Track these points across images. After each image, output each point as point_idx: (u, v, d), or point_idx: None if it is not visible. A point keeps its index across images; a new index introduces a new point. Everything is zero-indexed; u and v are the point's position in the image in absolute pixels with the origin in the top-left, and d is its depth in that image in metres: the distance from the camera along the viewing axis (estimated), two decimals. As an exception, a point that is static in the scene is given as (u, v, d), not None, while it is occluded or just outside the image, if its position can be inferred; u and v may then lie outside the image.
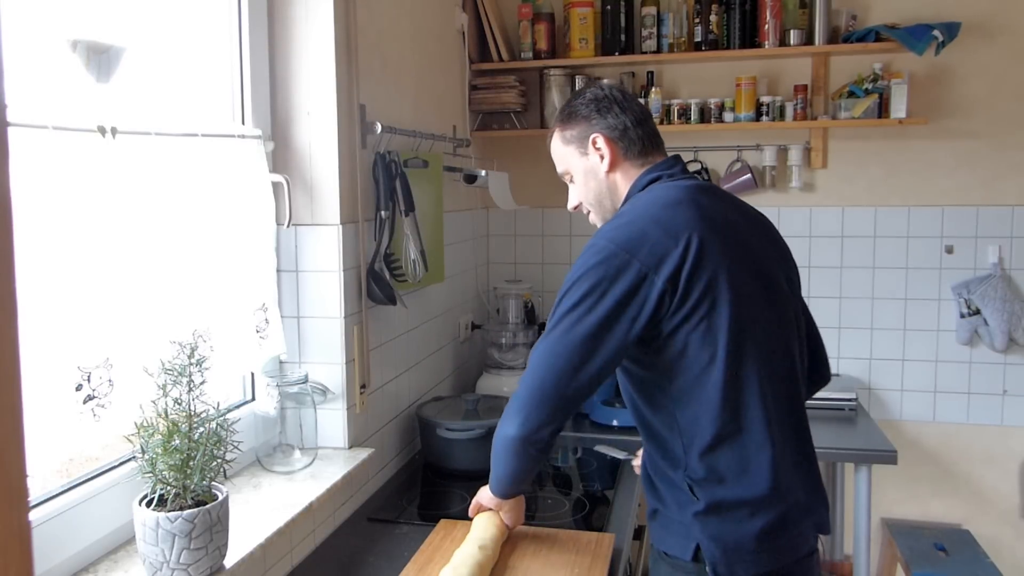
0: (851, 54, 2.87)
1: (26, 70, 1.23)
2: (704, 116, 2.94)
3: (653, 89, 2.94)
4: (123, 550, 1.41)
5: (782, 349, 1.43)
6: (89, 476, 1.42)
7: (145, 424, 1.26)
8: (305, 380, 1.84)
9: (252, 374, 1.88)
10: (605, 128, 1.50)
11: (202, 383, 1.30)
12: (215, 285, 1.59)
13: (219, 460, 1.31)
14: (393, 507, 1.98)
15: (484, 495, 1.65)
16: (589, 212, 1.59)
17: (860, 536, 2.54)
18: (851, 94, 2.83)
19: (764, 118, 2.87)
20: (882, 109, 2.81)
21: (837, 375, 3.03)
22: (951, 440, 3.00)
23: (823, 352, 1.60)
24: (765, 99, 2.87)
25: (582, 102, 1.53)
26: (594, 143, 1.51)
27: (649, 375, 1.41)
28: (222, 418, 1.34)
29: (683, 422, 1.37)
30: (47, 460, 1.22)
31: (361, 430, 1.99)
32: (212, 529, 1.29)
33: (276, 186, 1.80)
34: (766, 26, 2.80)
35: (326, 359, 1.89)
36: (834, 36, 2.85)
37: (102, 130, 1.29)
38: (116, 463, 1.47)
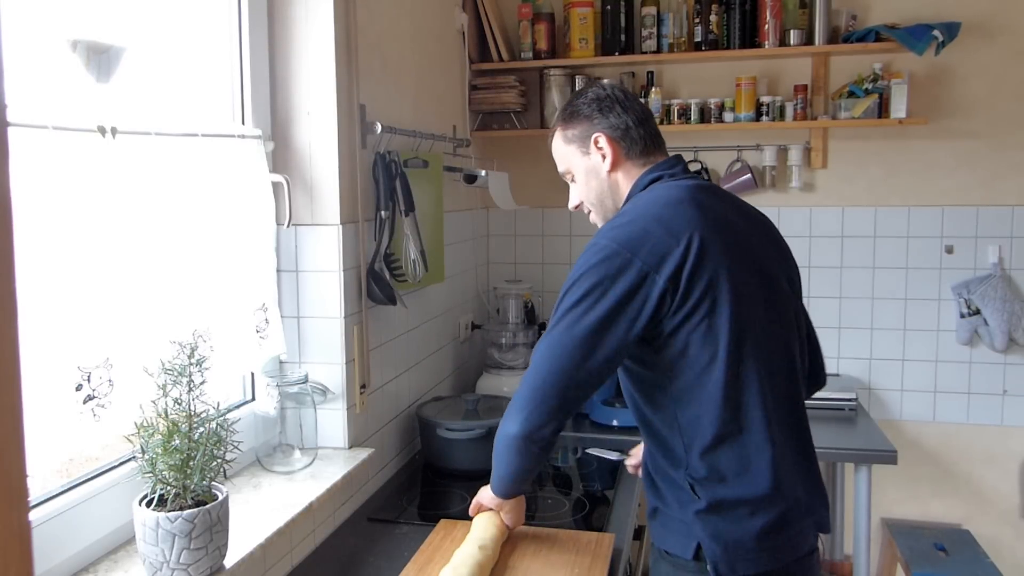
0: (851, 54, 2.87)
1: (26, 70, 1.23)
2: (704, 116, 2.94)
3: (653, 89, 2.94)
4: (123, 550, 1.41)
5: (782, 348, 1.43)
6: (89, 476, 1.42)
7: (145, 424, 1.26)
8: (305, 380, 1.84)
9: (252, 374, 1.88)
10: (607, 128, 1.50)
11: (202, 383, 1.30)
12: (215, 285, 1.59)
13: (219, 460, 1.31)
14: (393, 507, 1.98)
15: (485, 495, 1.65)
16: (590, 212, 1.59)
17: (860, 536, 2.54)
18: (851, 94, 2.83)
19: (764, 118, 2.87)
20: (882, 109, 2.81)
21: (837, 375, 3.03)
22: (951, 440, 3.00)
23: (820, 356, 1.61)
24: (765, 99, 2.88)
25: (584, 101, 1.53)
26: (596, 143, 1.51)
27: (650, 374, 1.41)
28: (222, 418, 1.34)
29: (684, 421, 1.37)
30: (47, 460, 1.22)
31: (361, 430, 1.99)
32: (212, 529, 1.29)
33: (276, 186, 1.80)
34: (766, 26, 2.80)
35: (326, 359, 1.89)
36: (834, 36, 2.85)
37: (102, 130, 1.29)
38: (116, 463, 1.47)
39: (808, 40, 2.82)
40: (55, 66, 1.28)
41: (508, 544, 1.67)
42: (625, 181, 1.52)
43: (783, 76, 2.96)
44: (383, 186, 2.00)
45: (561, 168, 1.60)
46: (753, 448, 1.35)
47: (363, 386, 1.97)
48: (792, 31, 2.80)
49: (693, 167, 2.98)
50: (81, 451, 1.38)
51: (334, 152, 1.85)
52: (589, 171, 1.53)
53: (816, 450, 1.49)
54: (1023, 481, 2.97)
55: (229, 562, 1.36)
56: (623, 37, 2.94)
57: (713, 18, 2.86)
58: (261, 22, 1.83)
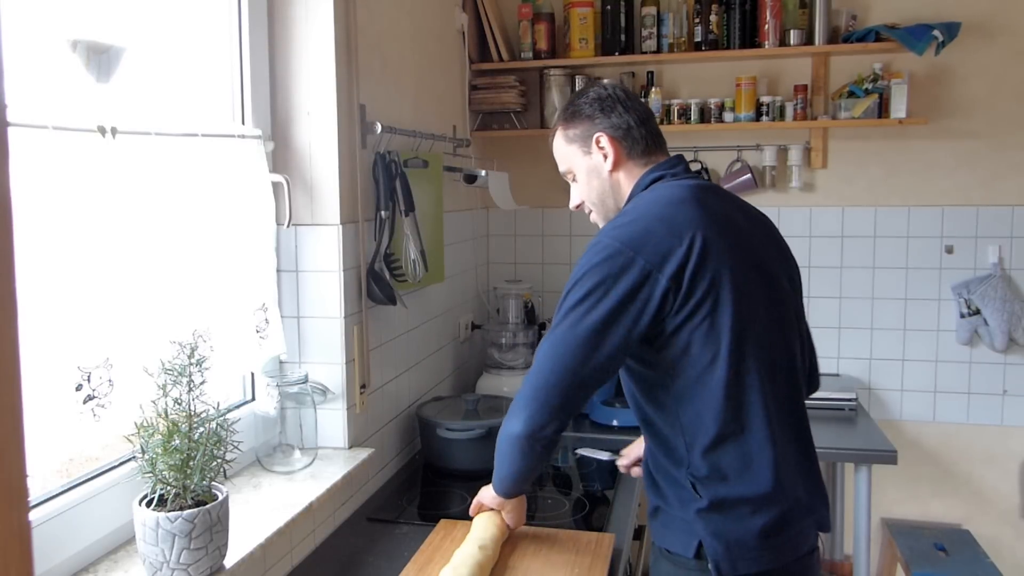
0: (851, 54, 2.87)
1: (26, 70, 1.23)
2: (704, 116, 2.94)
3: (653, 89, 2.94)
4: (123, 550, 1.41)
5: (783, 348, 1.44)
6: (89, 476, 1.42)
7: (145, 424, 1.26)
8: (305, 380, 1.84)
9: (252, 374, 1.88)
10: (609, 127, 1.50)
11: (202, 383, 1.30)
12: (215, 285, 1.59)
13: (219, 460, 1.31)
14: (393, 507, 1.98)
15: (486, 495, 1.65)
16: (591, 211, 1.59)
17: (860, 536, 2.54)
18: (851, 94, 2.83)
19: (764, 118, 2.87)
20: (882, 109, 2.81)
21: (837, 375, 3.03)
22: (951, 440, 3.00)
23: (815, 359, 1.61)
24: (765, 99, 2.88)
25: (585, 101, 1.53)
26: (597, 142, 1.51)
27: (652, 373, 1.41)
28: (222, 418, 1.34)
29: (686, 420, 1.38)
30: (47, 460, 1.22)
31: (361, 430, 1.99)
32: (212, 529, 1.29)
33: (276, 186, 1.80)
34: (766, 26, 2.80)
35: (326, 359, 1.89)
36: (834, 36, 2.85)
37: (102, 130, 1.29)
38: (116, 463, 1.47)
39: (808, 40, 2.82)
40: (55, 66, 1.28)
41: (508, 544, 1.67)
42: (627, 181, 1.52)
43: (783, 76, 2.96)
44: (383, 186, 2.00)
45: (562, 168, 1.60)
46: (754, 447, 1.36)
47: (363, 386, 1.97)
48: (792, 31, 2.80)
49: (693, 167, 2.98)
50: (81, 451, 1.38)
51: (334, 152, 1.85)
52: (591, 171, 1.54)
53: (816, 450, 1.49)
54: (1023, 481, 2.97)
55: (229, 562, 1.36)
56: (623, 37, 2.94)
57: (713, 18, 2.86)
58: (261, 22, 1.83)
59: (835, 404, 2.80)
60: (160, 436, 1.26)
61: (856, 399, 2.82)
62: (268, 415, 1.83)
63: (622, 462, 1.81)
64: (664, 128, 1.59)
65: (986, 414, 2.95)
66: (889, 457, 2.46)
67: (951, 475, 3.01)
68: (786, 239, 1.58)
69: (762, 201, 2.97)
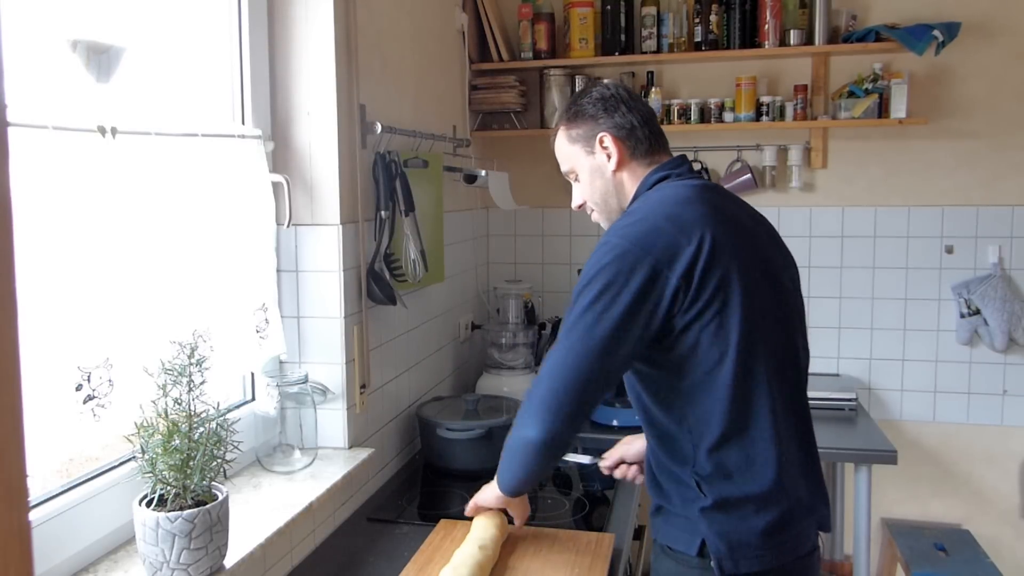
0: (851, 54, 2.87)
1: (26, 70, 1.23)
2: (704, 116, 2.94)
3: (653, 89, 2.94)
4: (123, 550, 1.41)
5: (789, 347, 1.44)
6: (89, 476, 1.42)
7: (145, 424, 1.26)
8: (305, 380, 1.84)
9: (252, 374, 1.88)
10: (612, 127, 1.50)
11: (202, 383, 1.30)
12: (215, 285, 1.59)
13: (219, 460, 1.31)
14: (393, 507, 1.98)
15: (487, 497, 1.65)
16: (593, 211, 1.59)
17: (860, 536, 2.54)
18: (851, 94, 2.83)
19: (764, 118, 2.87)
20: (882, 109, 2.81)
21: (837, 375, 3.03)
22: (951, 440, 3.00)
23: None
24: (765, 99, 2.88)
25: (588, 101, 1.53)
26: (601, 142, 1.51)
27: (659, 373, 1.41)
28: (222, 418, 1.34)
29: (692, 419, 1.38)
30: (47, 460, 1.22)
31: (361, 430, 1.99)
32: (212, 529, 1.29)
33: (276, 186, 1.80)
34: (766, 26, 2.80)
35: (326, 359, 1.89)
36: (834, 36, 2.85)
37: (102, 130, 1.29)
38: (116, 463, 1.47)
39: (808, 40, 2.82)
40: (55, 66, 1.28)
41: (508, 544, 1.67)
42: (630, 181, 1.52)
43: (783, 76, 2.96)
44: (383, 186, 2.00)
45: (564, 168, 1.59)
46: (759, 445, 1.36)
47: (363, 386, 1.97)
48: (792, 31, 2.80)
49: (694, 167, 2.98)
50: (81, 451, 1.38)
51: (334, 152, 1.85)
52: (594, 171, 1.53)
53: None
54: (1023, 481, 2.97)
55: (229, 562, 1.36)
56: (623, 37, 2.94)
57: (713, 18, 2.86)
58: (261, 22, 1.83)
59: (835, 404, 2.80)
60: (160, 436, 1.26)
61: (856, 399, 2.82)
62: (268, 415, 1.83)
63: (604, 464, 1.80)
64: (664, 128, 1.59)
65: (986, 414, 2.95)
66: (889, 457, 2.46)
67: (951, 475, 3.01)
68: (786, 239, 1.58)
69: (762, 201, 2.97)
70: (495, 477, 1.61)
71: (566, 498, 2.05)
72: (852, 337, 3.02)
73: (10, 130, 0.51)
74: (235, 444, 1.35)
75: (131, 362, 1.34)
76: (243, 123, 1.80)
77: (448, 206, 2.57)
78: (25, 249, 1.15)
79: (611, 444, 1.80)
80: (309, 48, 1.84)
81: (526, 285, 2.92)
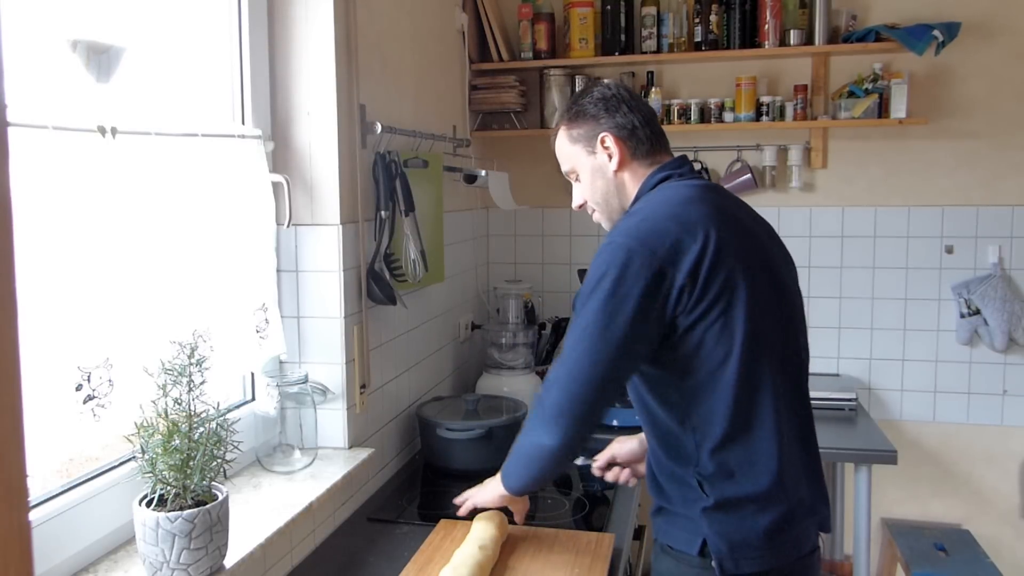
0: (851, 54, 2.87)
1: (26, 70, 1.23)
2: (704, 116, 2.94)
3: (653, 89, 2.94)
4: (123, 550, 1.41)
5: (792, 347, 1.45)
6: (89, 476, 1.42)
7: (145, 424, 1.26)
8: (305, 380, 1.84)
9: (252, 374, 1.88)
10: (614, 127, 1.50)
11: (202, 383, 1.30)
12: (215, 285, 1.59)
13: (219, 460, 1.31)
14: (393, 507, 1.98)
15: (488, 498, 1.64)
16: (594, 211, 1.58)
17: (860, 536, 2.54)
18: (851, 94, 2.83)
19: (764, 118, 2.87)
20: (882, 109, 2.81)
21: (837, 375, 3.03)
22: (951, 440, 3.00)
23: None
24: (765, 99, 2.88)
25: (590, 100, 1.53)
26: (602, 142, 1.51)
27: (662, 373, 1.40)
28: (222, 418, 1.34)
29: (696, 418, 1.38)
30: (47, 460, 1.22)
31: (361, 430, 1.99)
32: (212, 529, 1.29)
33: (276, 186, 1.80)
34: (766, 26, 2.80)
35: (326, 359, 1.89)
36: (834, 36, 2.85)
37: (102, 130, 1.29)
38: (116, 463, 1.47)
39: (808, 40, 2.82)
40: (55, 66, 1.28)
41: (508, 544, 1.67)
42: (632, 181, 1.51)
43: (783, 76, 2.96)
44: (383, 186, 2.00)
45: (565, 168, 1.59)
46: (762, 445, 1.36)
47: (363, 386, 1.97)
48: (792, 31, 2.80)
49: (694, 167, 2.98)
50: (81, 451, 1.38)
51: (334, 152, 1.85)
52: (595, 171, 1.53)
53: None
54: (1023, 481, 2.97)
55: (229, 562, 1.36)
56: (623, 37, 2.94)
57: (713, 18, 2.86)
58: (261, 22, 1.83)
59: (835, 404, 2.80)
60: (160, 436, 1.26)
61: (856, 399, 2.82)
62: (268, 415, 1.83)
63: (595, 464, 1.80)
64: (664, 128, 1.59)
65: (986, 414, 2.95)
66: (889, 457, 2.46)
67: (951, 475, 3.01)
68: (786, 239, 1.58)
69: (762, 201, 2.97)
70: (500, 478, 1.61)
71: (566, 498, 2.05)
72: (852, 337, 3.02)
73: (10, 130, 0.51)
74: (235, 444, 1.35)
75: (131, 362, 1.34)
76: (243, 123, 1.80)
77: (448, 206, 2.57)
78: (25, 249, 1.15)
79: (603, 444, 1.80)
80: (309, 48, 1.84)
81: (526, 285, 2.92)
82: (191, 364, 1.28)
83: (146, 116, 1.43)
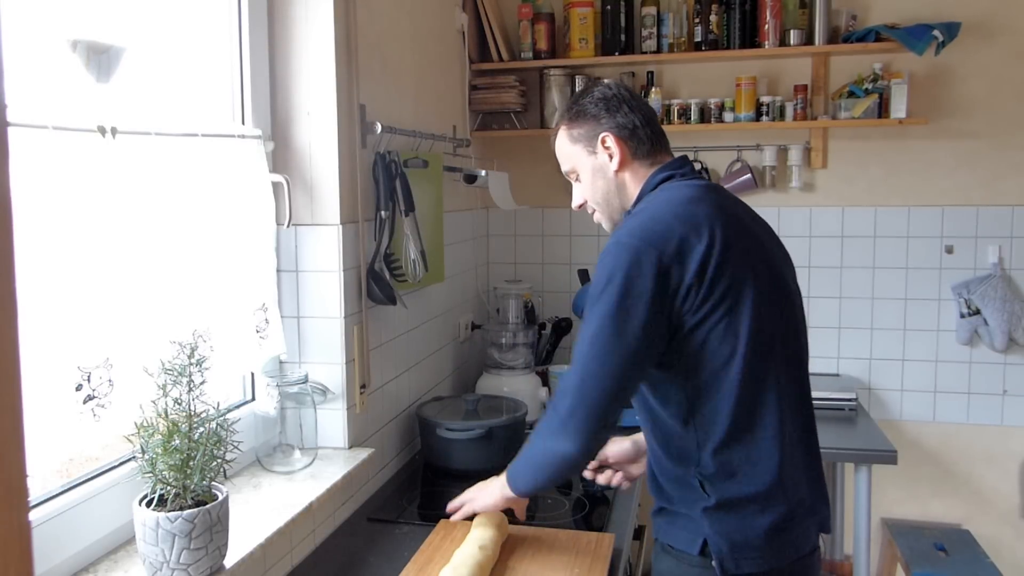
0: (851, 54, 2.87)
1: (26, 70, 1.23)
2: (704, 116, 2.94)
3: (653, 89, 2.94)
4: (123, 550, 1.41)
5: (793, 346, 1.45)
6: (89, 476, 1.42)
7: (145, 424, 1.26)
8: (305, 380, 1.84)
9: (252, 374, 1.88)
10: (614, 127, 1.50)
11: (202, 383, 1.30)
12: (215, 285, 1.59)
13: (219, 460, 1.31)
14: (393, 507, 1.98)
15: (489, 502, 1.63)
16: (594, 211, 1.58)
17: (860, 536, 2.54)
18: (851, 94, 2.83)
19: (764, 118, 2.87)
20: (882, 109, 2.81)
21: (837, 375, 3.03)
22: (951, 440, 3.00)
23: None
24: (765, 99, 2.88)
25: (590, 100, 1.53)
26: (603, 142, 1.50)
27: (666, 373, 1.40)
28: (222, 418, 1.34)
29: (699, 418, 1.37)
30: (47, 460, 1.22)
31: (361, 430, 1.99)
32: (212, 529, 1.29)
33: (276, 186, 1.80)
34: (766, 26, 2.80)
35: (326, 359, 1.89)
36: (834, 36, 2.85)
37: (102, 130, 1.29)
38: (116, 463, 1.47)
39: (808, 40, 2.82)
40: (55, 66, 1.28)
41: (508, 544, 1.67)
42: (632, 181, 1.51)
43: (783, 76, 2.96)
44: (383, 186, 2.00)
45: (565, 167, 1.59)
46: (764, 445, 1.36)
47: (363, 386, 1.97)
48: (792, 31, 2.80)
49: (694, 167, 2.98)
50: (81, 451, 1.38)
51: (334, 152, 1.85)
52: (596, 171, 1.53)
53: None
54: (1023, 481, 2.97)
55: (229, 562, 1.36)
56: (623, 37, 2.94)
57: (713, 18, 2.86)
58: (261, 22, 1.83)
59: (835, 404, 2.80)
60: (160, 436, 1.26)
61: (856, 399, 2.82)
62: (268, 415, 1.83)
63: (588, 466, 1.79)
64: (664, 128, 1.59)
65: (986, 414, 2.95)
66: (889, 457, 2.46)
67: (951, 475, 3.01)
68: (786, 239, 1.58)
69: (762, 201, 2.97)
70: (505, 481, 1.59)
71: (566, 498, 2.05)
72: (852, 337, 3.02)
73: (10, 130, 0.51)
74: (235, 444, 1.34)
75: (131, 362, 1.34)
76: (243, 123, 1.80)
77: (448, 206, 2.57)
78: (25, 249, 1.15)
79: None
80: (309, 48, 1.84)
81: (526, 285, 2.92)
82: (191, 364, 1.28)
83: (146, 116, 1.43)
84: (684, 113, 2.93)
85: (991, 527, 2.98)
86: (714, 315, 1.33)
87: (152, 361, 1.32)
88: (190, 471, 1.27)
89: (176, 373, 1.27)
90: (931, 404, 2.99)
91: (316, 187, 1.86)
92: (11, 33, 1.19)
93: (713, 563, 1.36)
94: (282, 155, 1.86)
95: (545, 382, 2.78)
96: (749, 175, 2.89)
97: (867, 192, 2.97)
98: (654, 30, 2.92)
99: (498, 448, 2.18)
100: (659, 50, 2.92)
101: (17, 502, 0.49)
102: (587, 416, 1.35)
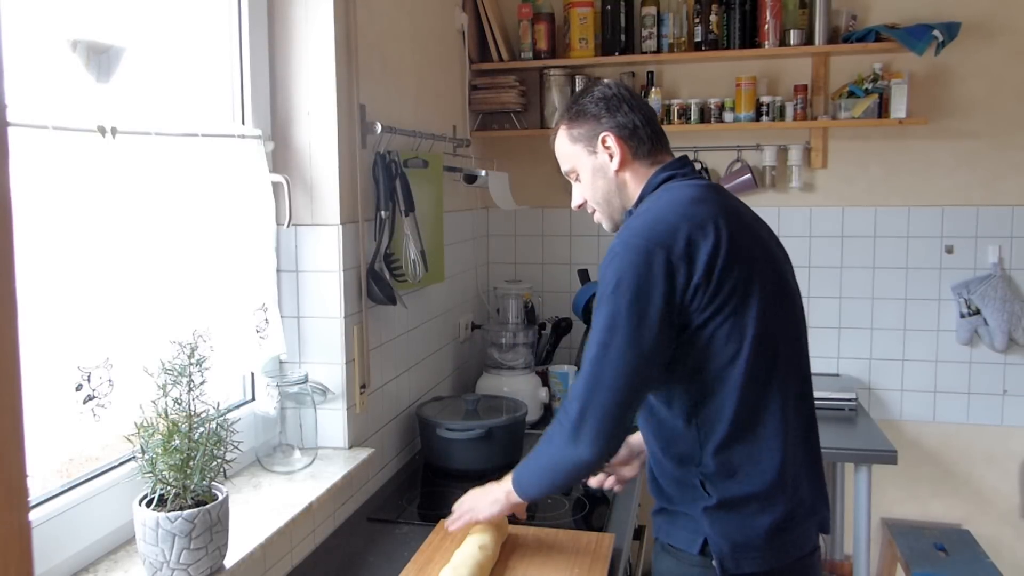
0: (851, 54, 2.87)
1: (26, 70, 1.23)
2: (704, 116, 2.94)
3: (653, 89, 2.94)
4: (123, 550, 1.41)
5: (796, 346, 1.45)
6: (89, 476, 1.42)
7: (145, 424, 1.26)
8: (305, 380, 1.84)
9: (252, 374, 1.88)
10: (615, 127, 1.50)
11: (202, 383, 1.30)
12: (215, 285, 1.59)
13: (219, 460, 1.31)
14: (393, 507, 1.98)
15: (491, 509, 1.59)
16: (594, 211, 1.58)
17: (860, 536, 2.54)
18: (851, 94, 2.83)
19: (764, 118, 2.87)
20: (882, 109, 2.81)
21: (837, 375, 3.03)
22: (951, 440, 3.00)
23: None
24: (765, 99, 2.87)
25: (590, 100, 1.52)
26: (604, 142, 1.50)
27: (670, 372, 1.39)
28: (222, 418, 1.34)
29: (702, 417, 1.37)
30: (47, 460, 1.22)
31: (361, 430, 1.99)
32: (212, 529, 1.29)
33: (276, 186, 1.80)
34: (766, 26, 2.80)
35: (326, 359, 1.89)
36: (834, 36, 2.85)
37: (102, 130, 1.29)
38: (116, 463, 1.47)
39: (808, 40, 2.82)
40: (55, 66, 1.28)
41: (508, 544, 1.67)
42: (633, 180, 1.51)
43: (783, 76, 2.96)
44: (383, 186, 2.00)
45: (565, 167, 1.59)
46: (766, 444, 1.36)
47: (363, 386, 1.97)
48: (792, 31, 2.80)
49: (695, 167, 2.98)
50: (81, 451, 1.38)
51: (334, 152, 1.85)
52: (596, 170, 1.53)
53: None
54: (1023, 481, 2.97)
55: (229, 562, 1.36)
56: (623, 37, 2.94)
57: (713, 18, 2.86)
58: (261, 22, 1.83)
59: (835, 404, 2.80)
60: (160, 436, 1.26)
61: (856, 399, 2.82)
62: (268, 415, 1.83)
63: None
64: (664, 128, 1.59)
65: (986, 414, 2.95)
66: (889, 457, 2.46)
67: (951, 475, 3.01)
68: (786, 239, 1.58)
69: (762, 201, 2.97)
70: (511, 487, 1.55)
71: (566, 498, 2.05)
72: (852, 337, 3.02)
73: (10, 130, 0.51)
74: (235, 444, 1.34)
75: (131, 362, 1.34)
76: (243, 123, 1.80)
77: (448, 206, 2.57)
78: (25, 249, 1.15)
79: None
80: (309, 48, 1.84)
81: (526, 285, 2.92)
82: (191, 364, 1.28)
83: (146, 116, 1.43)
84: (684, 113, 2.93)
85: (991, 527, 2.98)
86: (721, 314, 1.33)
87: (152, 361, 1.32)
88: (190, 471, 1.27)
89: (176, 373, 1.27)
90: (931, 404, 2.99)
91: (316, 187, 1.86)
92: (11, 33, 1.19)
93: (713, 563, 1.36)
94: (282, 155, 1.86)
95: (545, 382, 2.78)
96: (749, 175, 2.89)
97: (867, 192, 2.97)
98: (654, 30, 2.92)
99: (498, 448, 2.18)
100: (659, 50, 2.92)
101: (17, 502, 0.49)
102: (601, 420, 1.34)
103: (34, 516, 1.24)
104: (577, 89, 2.95)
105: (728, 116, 2.90)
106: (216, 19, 1.74)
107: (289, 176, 1.83)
